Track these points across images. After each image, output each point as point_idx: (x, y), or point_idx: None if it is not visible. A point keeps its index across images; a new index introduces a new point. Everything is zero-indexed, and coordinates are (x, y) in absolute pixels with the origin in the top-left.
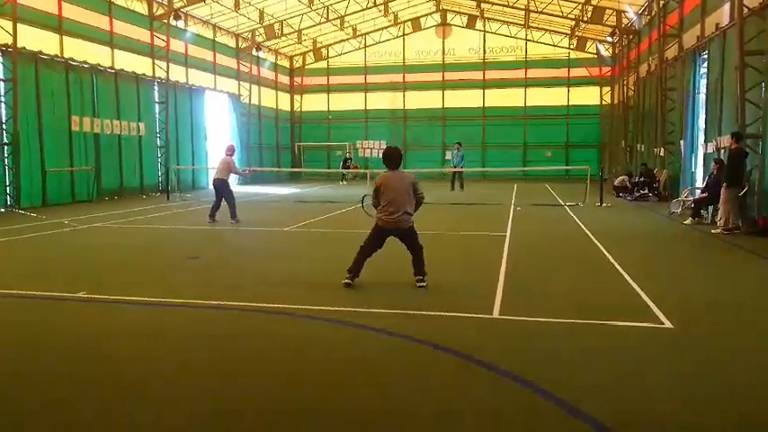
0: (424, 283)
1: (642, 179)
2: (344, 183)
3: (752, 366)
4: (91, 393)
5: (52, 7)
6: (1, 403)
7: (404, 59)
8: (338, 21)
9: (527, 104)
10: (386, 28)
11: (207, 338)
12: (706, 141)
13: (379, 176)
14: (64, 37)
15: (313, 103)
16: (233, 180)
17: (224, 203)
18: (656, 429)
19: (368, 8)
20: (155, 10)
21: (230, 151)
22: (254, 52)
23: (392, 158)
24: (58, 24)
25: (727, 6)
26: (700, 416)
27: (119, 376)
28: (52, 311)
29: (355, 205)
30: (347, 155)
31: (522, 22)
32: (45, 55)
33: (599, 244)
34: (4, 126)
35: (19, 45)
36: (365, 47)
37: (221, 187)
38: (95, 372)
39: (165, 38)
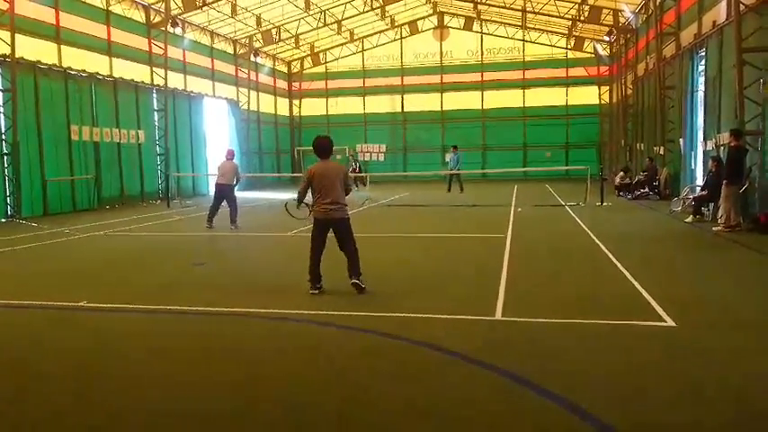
0: (363, 285)
1: (645, 174)
2: (358, 189)
3: (753, 364)
4: (94, 403)
5: (50, 17)
6: (5, 415)
7: (402, 62)
8: (335, 25)
9: (526, 105)
10: (383, 31)
11: (213, 345)
12: (705, 139)
13: (310, 167)
14: (62, 46)
15: (312, 107)
16: None
17: (224, 207)
18: (658, 428)
19: (365, 12)
20: (152, 18)
21: (231, 155)
22: (251, 58)
23: (323, 148)
24: (55, 34)
25: (723, 3)
26: (702, 414)
27: (120, 385)
28: (53, 321)
29: (357, 209)
30: (350, 158)
31: (519, 23)
32: (43, 64)
33: (600, 243)
34: (3, 136)
35: (17, 55)
36: (363, 50)
37: (226, 192)
38: (96, 382)
39: (162, 45)
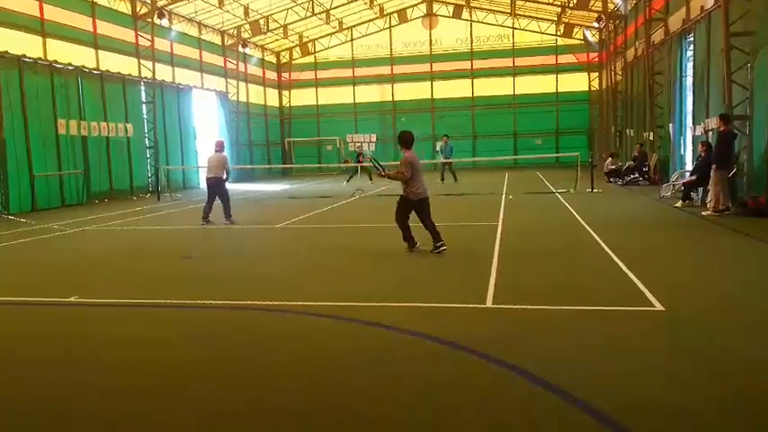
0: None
1: (635, 159)
2: (371, 182)
3: (740, 347)
4: (86, 399)
5: (34, 10)
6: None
7: (391, 51)
8: (324, 14)
9: (516, 93)
10: (372, 20)
11: (200, 338)
12: (694, 124)
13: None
14: (47, 39)
15: (302, 98)
16: None
17: (218, 203)
18: (650, 414)
19: (353, 1)
20: (138, 9)
21: (220, 147)
22: (240, 49)
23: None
24: (40, 27)
25: None
26: (694, 400)
27: (110, 380)
28: (43, 317)
29: (347, 199)
30: (356, 150)
31: (509, 11)
32: (29, 58)
33: (590, 230)
34: None
35: (1, 49)
36: (352, 40)
37: (216, 186)
38: (87, 377)
39: (149, 37)
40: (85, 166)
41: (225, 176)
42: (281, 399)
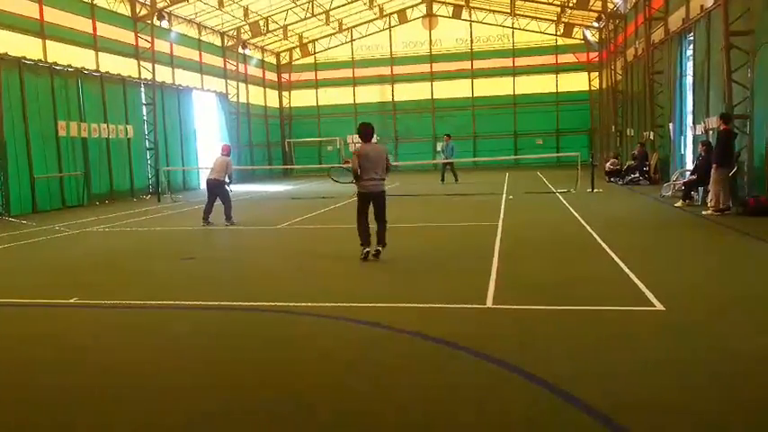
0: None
1: (635, 158)
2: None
3: (741, 346)
4: (87, 400)
5: (33, 12)
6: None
7: (391, 52)
8: (323, 15)
9: (516, 93)
10: (372, 21)
11: (200, 338)
12: (695, 123)
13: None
14: (47, 41)
15: (302, 98)
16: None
17: (218, 204)
18: (643, 410)
19: (353, 1)
20: (138, 11)
21: (226, 151)
22: (240, 50)
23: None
24: (40, 29)
25: None
26: (694, 400)
27: (110, 380)
28: (44, 319)
29: (348, 200)
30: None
31: (508, 11)
32: (29, 60)
33: (591, 230)
34: None
35: (1, 51)
36: (352, 41)
37: (216, 188)
38: (88, 379)
39: (149, 39)
40: (86, 167)
41: (228, 180)
42: (280, 398)
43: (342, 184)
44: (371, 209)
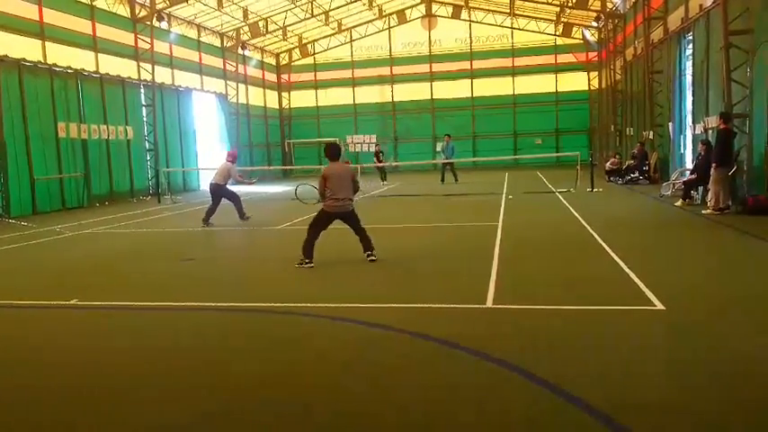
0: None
1: (634, 157)
2: (385, 183)
3: (741, 346)
4: (88, 400)
5: (33, 13)
6: (4, 416)
7: (390, 52)
8: (323, 16)
9: (515, 92)
10: (371, 21)
11: (200, 339)
12: (694, 123)
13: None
14: (46, 43)
15: (301, 99)
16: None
17: (230, 205)
18: (643, 409)
19: (352, 2)
20: (137, 12)
21: (232, 158)
22: (239, 51)
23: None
24: (39, 30)
25: None
26: (694, 399)
27: (111, 381)
28: (44, 321)
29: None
30: (376, 147)
31: (508, 11)
32: (28, 62)
33: (591, 229)
34: None
35: (1, 53)
36: (351, 41)
37: (217, 192)
38: (88, 379)
39: (148, 40)
40: (86, 168)
41: (224, 183)
42: (280, 399)
43: (309, 205)
44: (347, 226)
